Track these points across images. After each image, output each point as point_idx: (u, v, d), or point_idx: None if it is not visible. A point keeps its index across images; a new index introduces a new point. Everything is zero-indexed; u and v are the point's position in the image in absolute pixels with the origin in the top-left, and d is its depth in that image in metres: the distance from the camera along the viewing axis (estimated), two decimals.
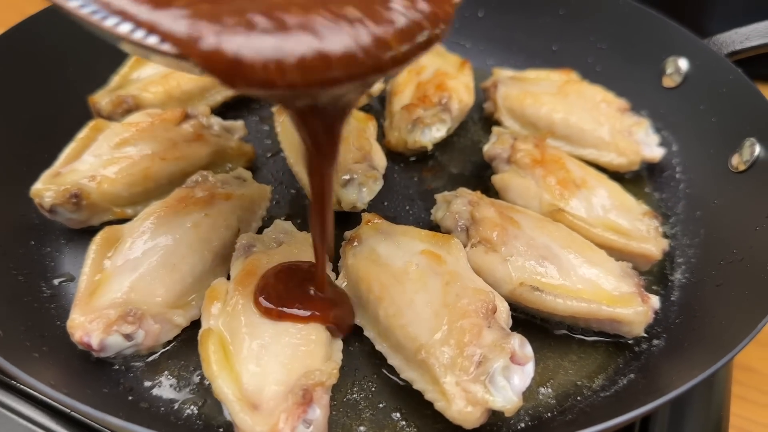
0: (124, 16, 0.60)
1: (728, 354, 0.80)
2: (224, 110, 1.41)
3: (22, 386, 0.97)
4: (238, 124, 1.29)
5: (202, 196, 1.07)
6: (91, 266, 0.97)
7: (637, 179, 1.34)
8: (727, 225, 1.13)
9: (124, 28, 0.60)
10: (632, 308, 0.95)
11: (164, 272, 0.97)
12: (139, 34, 0.59)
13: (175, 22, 0.58)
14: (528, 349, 0.86)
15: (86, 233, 1.09)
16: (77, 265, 1.04)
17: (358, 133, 1.19)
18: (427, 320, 0.88)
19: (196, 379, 0.94)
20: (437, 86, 1.34)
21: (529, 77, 1.42)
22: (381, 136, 1.35)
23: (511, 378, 0.83)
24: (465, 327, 0.86)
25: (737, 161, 1.18)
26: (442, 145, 1.37)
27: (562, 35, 1.56)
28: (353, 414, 0.91)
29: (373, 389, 0.95)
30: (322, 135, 0.75)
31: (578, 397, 0.95)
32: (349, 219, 1.17)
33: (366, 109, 1.41)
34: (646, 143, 1.31)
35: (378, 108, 1.46)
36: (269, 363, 0.82)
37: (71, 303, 0.94)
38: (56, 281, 1.06)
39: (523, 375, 0.84)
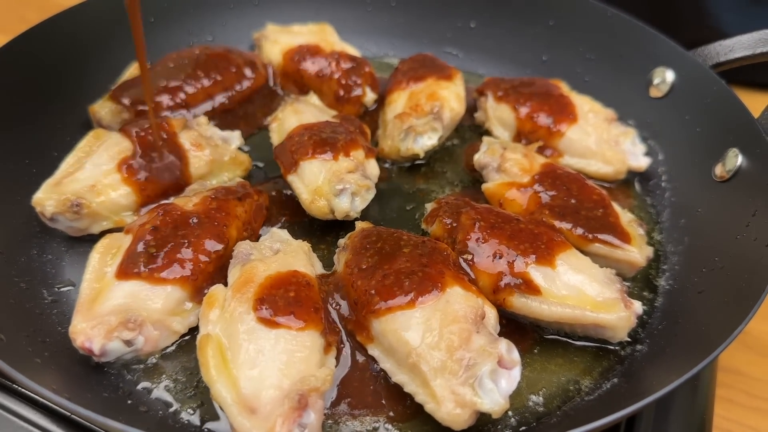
0: None
1: (704, 360, 0.83)
2: (221, 120, 1.43)
3: (24, 390, 0.99)
4: (235, 134, 1.31)
5: None
6: (92, 273, 1.00)
7: (624, 187, 1.37)
8: (710, 233, 1.16)
9: None
10: (615, 313, 0.98)
11: None
12: None
13: None
14: (515, 354, 0.89)
15: (86, 241, 1.12)
16: (78, 272, 1.06)
17: None
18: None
19: (194, 383, 0.97)
20: (429, 95, 1.37)
21: None
22: (374, 145, 1.38)
23: (499, 381, 0.86)
24: (454, 332, 0.89)
25: (720, 171, 1.21)
26: (434, 153, 1.41)
27: (551, 46, 1.59)
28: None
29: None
30: None
31: (563, 400, 0.98)
32: (342, 227, 1.20)
33: (360, 118, 1.44)
34: (632, 153, 1.34)
35: (371, 117, 1.49)
36: (266, 368, 0.85)
37: (72, 309, 0.97)
38: (57, 288, 1.08)
39: (510, 379, 0.87)
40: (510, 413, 0.95)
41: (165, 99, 1.33)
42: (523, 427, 0.94)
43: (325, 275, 1.08)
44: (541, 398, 0.98)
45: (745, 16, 1.76)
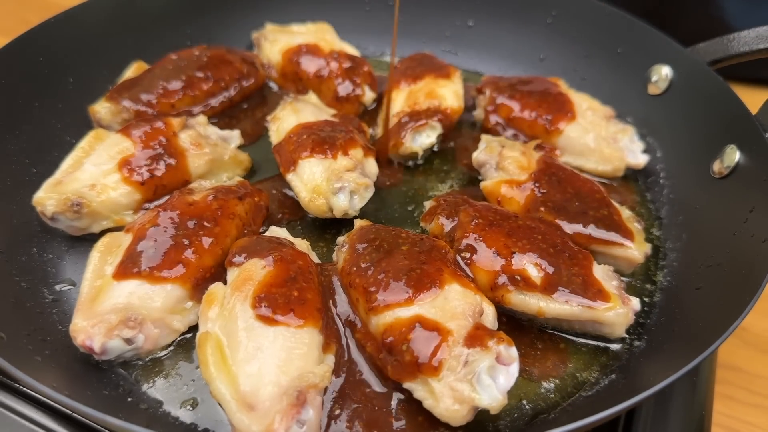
0: None
1: (701, 354, 0.83)
2: (220, 119, 1.44)
3: (24, 388, 1.00)
4: (234, 134, 1.32)
5: None
6: (93, 272, 1.00)
7: (623, 183, 1.37)
8: (708, 230, 1.17)
9: None
10: (613, 310, 0.98)
11: None
12: None
13: None
14: (513, 350, 0.89)
15: (86, 240, 1.12)
16: (78, 271, 1.07)
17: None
18: None
19: (193, 380, 0.97)
20: (428, 94, 1.38)
21: None
22: (372, 143, 1.39)
23: (497, 377, 0.86)
24: (453, 329, 0.89)
25: (718, 167, 1.21)
26: (433, 150, 1.41)
27: (549, 44, 1.60)
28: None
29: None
30: None
31: (562, 396, 0.98)
32: (341, 225, 1.21)
33: (359, 117, 1.44)
34: (630, 150, 1.34)
35: (370, 116, 1.49)
36: (265, 365, 0.85)
37: (72, 308, 0.97)
38: (58, 287, 1.09)
39: (508, 375, 0.87)
40: (506, 410, 0.95)
41: (164, 99, 1.34)
42: (519, 422, 0.94)
43: (324, 265, 1.09)
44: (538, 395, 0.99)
45: (750, 7, 1.76)
